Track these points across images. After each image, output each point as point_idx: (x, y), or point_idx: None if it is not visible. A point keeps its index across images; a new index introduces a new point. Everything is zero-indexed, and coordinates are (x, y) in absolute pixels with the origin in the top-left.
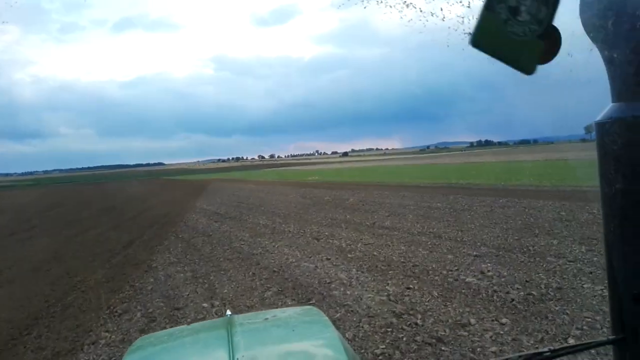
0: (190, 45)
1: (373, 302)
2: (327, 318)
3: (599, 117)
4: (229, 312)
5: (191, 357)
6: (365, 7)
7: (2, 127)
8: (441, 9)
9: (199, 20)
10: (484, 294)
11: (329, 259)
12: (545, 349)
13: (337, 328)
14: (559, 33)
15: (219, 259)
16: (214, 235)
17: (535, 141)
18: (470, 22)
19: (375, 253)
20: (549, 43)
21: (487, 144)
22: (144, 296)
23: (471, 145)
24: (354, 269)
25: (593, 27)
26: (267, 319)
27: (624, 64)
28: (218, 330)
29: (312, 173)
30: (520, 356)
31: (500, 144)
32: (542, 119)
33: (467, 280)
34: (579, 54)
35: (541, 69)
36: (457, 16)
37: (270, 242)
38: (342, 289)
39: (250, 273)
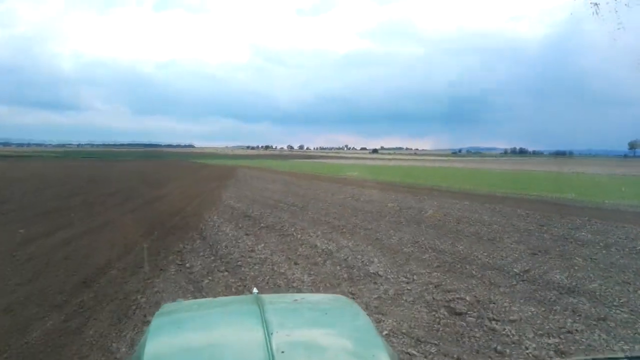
0: (228, 28)
1: None
2: (358, 306)
3: None
4: (255, 290)
5: (224, 327)
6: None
7: (39, 98)
8: None
9: (239, 4)
10: None
11: None
12: (622, 355)
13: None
14: None
15: None
16: (245, 268)
17: (571, 153)
18: None
19: None
20: None
21: (521, 152)
22: None
23: (505, 152)
24: None
25: None
26: (296, 300)
27: None
28: (249, 305)
29: (349, 168)
30: (594, 359)
31: (535, 153)
32: (583, 131)
33: None
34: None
35: (588, 82)
36: None
37: None
38: None
39: None
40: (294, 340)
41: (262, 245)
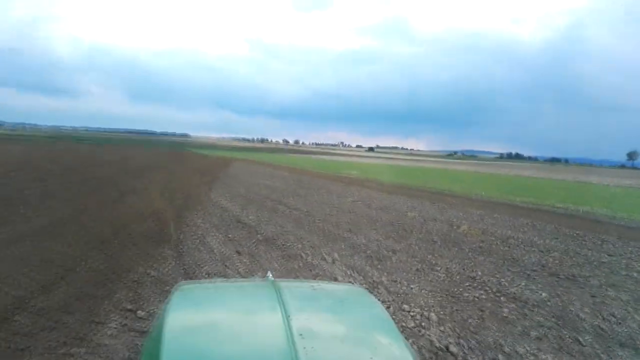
0: (228, 21)
1: None
2: (375, 298)
3: None
4: (270, 274)
5: (242, 308)
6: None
7: (35, 81)
8: None
9: None
10: None
11: None
12: None
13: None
14: None
15: None
16: None
17: (567, 160)
18: None
19: None
20: None
21: (517, 156)
22: None
23: (500, 156)
24: None
25: None
26: (313, 287)
27: None
28: (266, 289)
29: (348, 166)
30: None
31: (530, 158)
32: (578, 139)
33: None
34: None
35: (586, 89)
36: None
37: None
38: None
39: None
40: (312, 325)
41: (261, 274)
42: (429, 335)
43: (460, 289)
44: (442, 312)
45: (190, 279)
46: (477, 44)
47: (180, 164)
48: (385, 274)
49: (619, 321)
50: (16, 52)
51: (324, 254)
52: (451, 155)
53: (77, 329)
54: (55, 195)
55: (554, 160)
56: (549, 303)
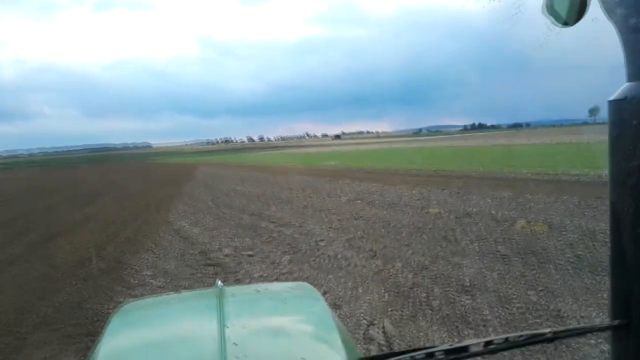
0: (173, 24)
1: None
2: (319, 294)
3: (613, 97)
4: (219, 283)
5: (179, 324)
6: None
7: None
8: None
9: None
10: None
11: None
12: (547, 330)
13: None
14: None
15: None
16: None
17: (528, 125)
18: None
19: None
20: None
21: (481, 127)
22: None
23: (464, 128)
24: None
25: (612, 7)
26: (258, 291)
27: None
28: (208, 299)
29: (322, 156)
30: (521, 335)
31: (493, 127)
32: (537, 103)
33: None
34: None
35: (542, 54)
36: None
37: None
38: None
39: None
40: (249, 332)
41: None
42: None
43: None
44: None
45: None
46: (428, 20)
47: (137, 179)
48: None
49: None
50: None
51: (360, 320)
52: (417, 133)
53: None
54: None
55: (516, 126)
56: None
